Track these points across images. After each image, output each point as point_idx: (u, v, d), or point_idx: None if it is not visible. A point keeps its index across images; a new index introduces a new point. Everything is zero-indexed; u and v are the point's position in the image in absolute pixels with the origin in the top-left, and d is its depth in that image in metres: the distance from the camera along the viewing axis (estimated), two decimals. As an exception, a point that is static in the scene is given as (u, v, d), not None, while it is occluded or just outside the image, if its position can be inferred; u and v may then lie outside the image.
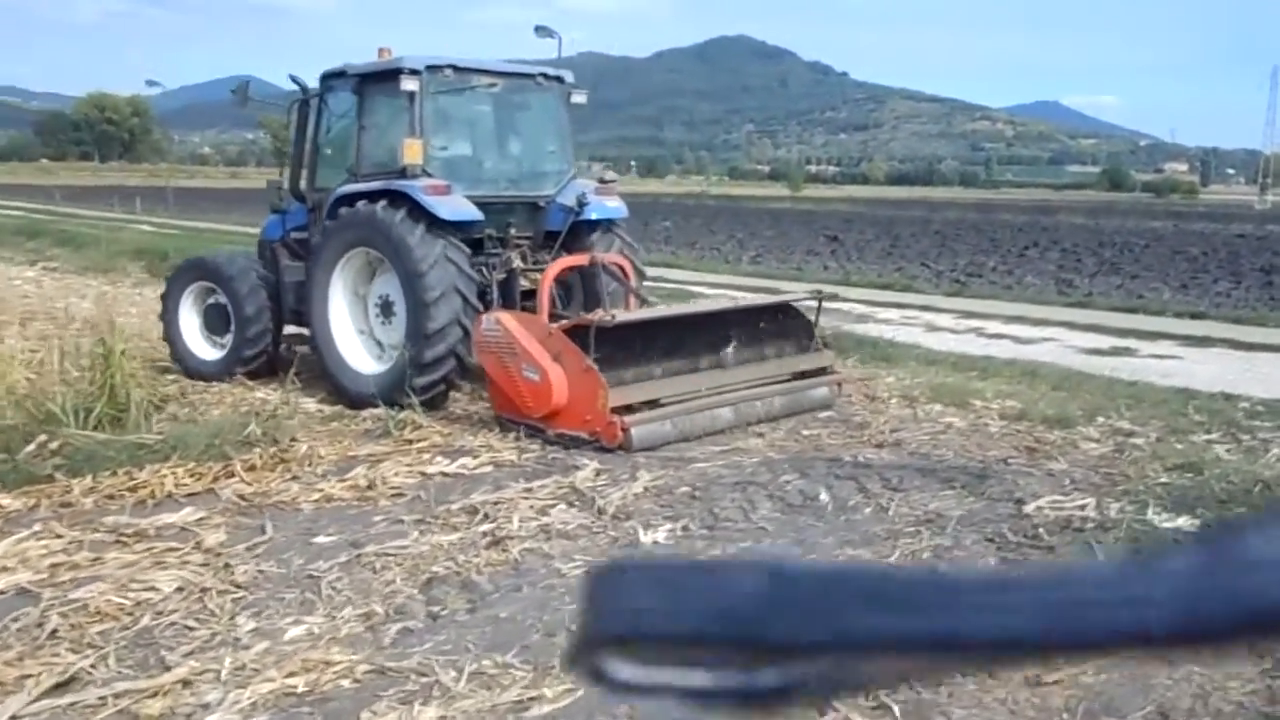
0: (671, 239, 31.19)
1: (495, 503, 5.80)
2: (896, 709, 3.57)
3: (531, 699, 3.65)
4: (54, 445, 6.41)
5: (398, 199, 7.67)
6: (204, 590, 4.55)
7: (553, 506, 5.80)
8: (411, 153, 7.71)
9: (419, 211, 7.57)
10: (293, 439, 6.99)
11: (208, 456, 6.46)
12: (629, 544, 5.24)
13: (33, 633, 4.09)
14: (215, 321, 9.04)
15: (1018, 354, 10.93)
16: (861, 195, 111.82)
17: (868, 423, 7.78)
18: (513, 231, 8.48)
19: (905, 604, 0.42)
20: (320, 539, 5.29)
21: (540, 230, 8.69)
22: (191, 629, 4.20)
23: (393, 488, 6.14)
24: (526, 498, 5.93)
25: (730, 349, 7.89)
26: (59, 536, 5.17)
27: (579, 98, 8.97)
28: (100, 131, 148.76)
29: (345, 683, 3.77)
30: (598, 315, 6.97)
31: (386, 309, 8.01)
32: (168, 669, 3.83)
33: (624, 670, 0.44)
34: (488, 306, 7.84)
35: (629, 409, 6.92)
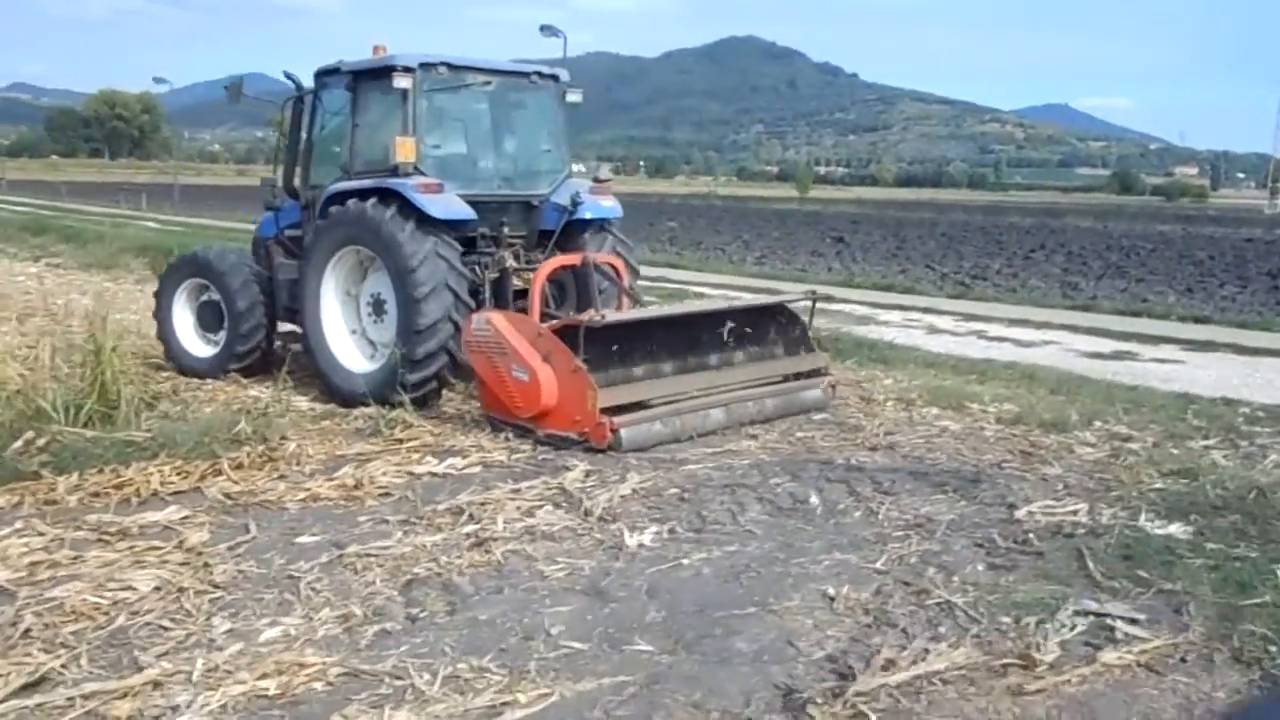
0: (677, 239, 31.16)
1: (482, 503, 5.76)
2: (875, 717, 3.51)
3: (505, 703, 3.60)
4: (41, 442, 6.38)
5: (388, 196, 7.64)
6: (181, 590, 4.51)
7: (539, 508, 5.75)
8: (404, 151, 7.67)
9: (409, 208, 7.54)
10: (283, 437, 6.95)
11: (196, 454, 6.43)
12: (614, 546, 5.19)
13: (5, 632, 4.06)
14: (209, 318, 9.01)
15: (1018, 357, 10.86)
16: (870, 197, 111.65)
17: (862, 425, 7.73)
18: (506, 231, 8.43)
19: None
20: (303, 539, 5.25)
21: (534, 229, 8.64)
22: (166, 629, 4.16)
23: (380, 487, 6.11)
24: (513, 499, 5.89)
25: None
26: (41, 534, 5.15)
27: (574, 96, 8.92)
28: (111, 128, 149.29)
29: (317, 685, 3.73)
30: (587, 315, 6.93)
31: (378, 308, 7.98)
32: (139, 670, 3.79)
33: None
34: (480, 306, 7.80)
35: (619, 409, 6.87)
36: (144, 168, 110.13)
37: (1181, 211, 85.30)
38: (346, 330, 8.20)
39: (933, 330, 13.05)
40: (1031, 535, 5.35)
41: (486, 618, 4.33)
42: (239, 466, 6.35)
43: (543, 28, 30.31)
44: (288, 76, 9.11)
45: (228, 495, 5.88)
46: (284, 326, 9.04)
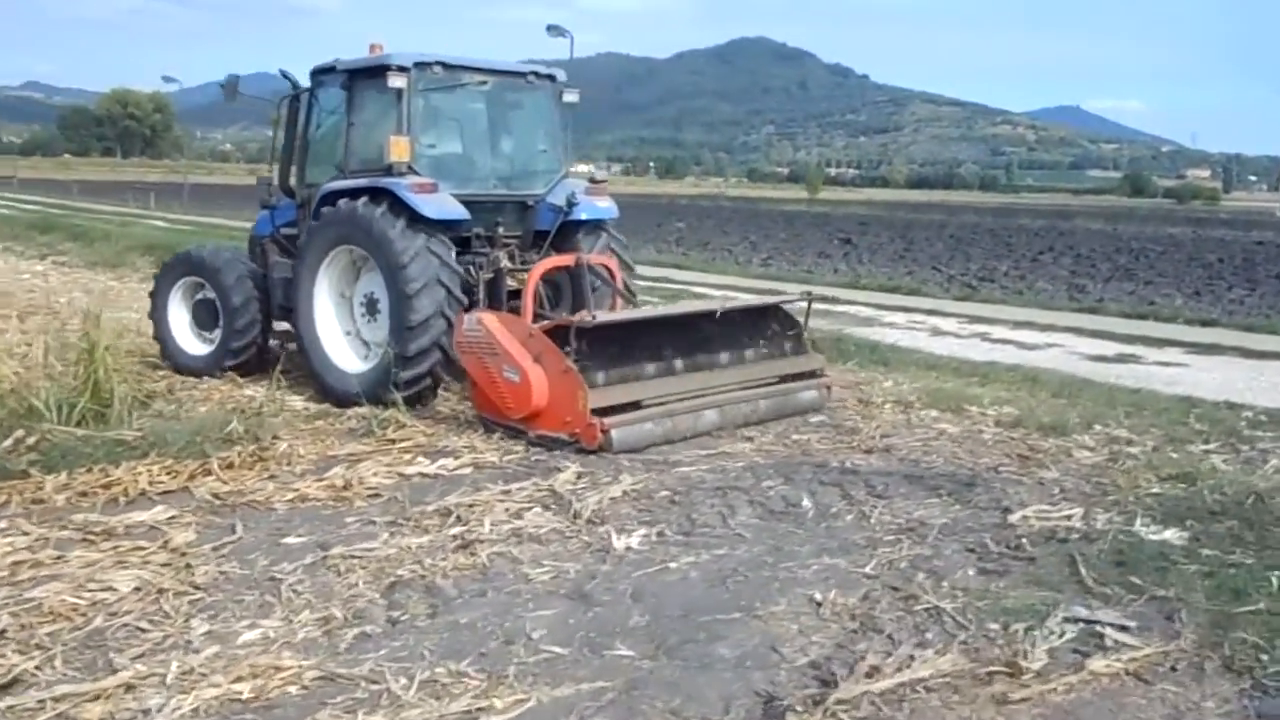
0: (684, 240, 31.10)
1: (470, 505, 5.72)
2: (856, 726, 3.45)
3: (481, 709, 3.55)
4: (31, 440, 6.36)
5: (380, 195, 7.61)
6: (161, 591, 4.48)
7: (528, 510, 5.70)
8: (398, 150, 7.64)
9: (400, 206, 7.51)
10: (275, 437, 6.92)
11: (186, 454, 6.40)
12: (601, 549, 5.13)
13: (-19, 632, 4.02)
14: (204, 317, 9.00)
15: (1021, 360, 10.78)
16: (880, 198, 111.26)
17: (859, 428, 7.66)
18: (501, 231, 8.39)
19: None
20: (289, 540, 5.22)
21: (529, 230, 8.60)
22: (144, 631, 4.12)
23: (369, 488, 6.07)
24: (503, 500, 5.84)
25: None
26: (25, 534, 5.12)
27: (571, 96, 8.87)
28: (123, 127, 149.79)
29: (292, 689, 3.68)
30: (579, 316, 6.88)
31: (371, 307, 7.95)
32: (113, 672, 3.75)
33: None
34: (474, 306, 7.76)
35: (610, 410, 6.82)
36: (156, 167, 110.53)
37: (1193, 214, 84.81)
38: (340, 331, 8.17)
39: (936, 332, 12.98)
40: (1024, 540, 5.27)
41: (468, 621, 4.28)
42: (229, 466, 6.32)
43: (549, 28, 30.27)
44: (283, 75, 9.09)
45: (216, 495, 5.85)
46: (279, 326, 9.01)
